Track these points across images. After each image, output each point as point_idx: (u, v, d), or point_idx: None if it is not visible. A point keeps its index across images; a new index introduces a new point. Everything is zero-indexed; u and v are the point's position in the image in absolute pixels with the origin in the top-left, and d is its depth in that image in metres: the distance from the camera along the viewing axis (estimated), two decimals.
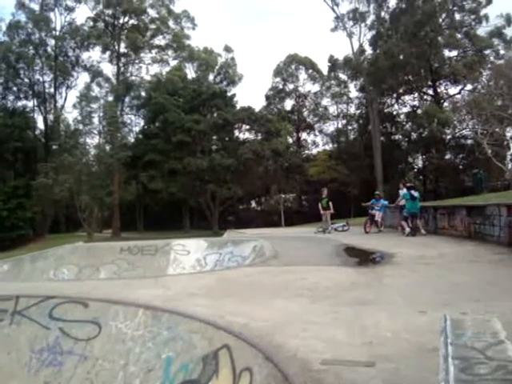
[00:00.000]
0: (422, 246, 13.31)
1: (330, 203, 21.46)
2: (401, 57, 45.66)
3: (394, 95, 55.03)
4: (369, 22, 50.31)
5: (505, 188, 37.25)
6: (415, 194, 17.51)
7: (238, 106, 52.14)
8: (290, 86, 62.25)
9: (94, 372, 5.72)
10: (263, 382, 3.75)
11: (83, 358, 5.95)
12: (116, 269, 14.73)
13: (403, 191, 18.28)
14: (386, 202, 21.41)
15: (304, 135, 64.65)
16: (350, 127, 62.66)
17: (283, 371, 3.71)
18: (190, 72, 58.16)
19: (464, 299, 6.19)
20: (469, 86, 49.52)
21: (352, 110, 61.77)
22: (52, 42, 52.56)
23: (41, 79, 53.13)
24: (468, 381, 2.10)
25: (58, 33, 52.33)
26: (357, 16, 49.76)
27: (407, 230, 16.88)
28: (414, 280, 8.12)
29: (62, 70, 52.08)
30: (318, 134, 64.44)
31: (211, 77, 57.84)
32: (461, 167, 53.08)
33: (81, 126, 46.47)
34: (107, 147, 45.44)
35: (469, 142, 49.88)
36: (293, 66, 61.27)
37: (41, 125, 54.76)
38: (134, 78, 54.58)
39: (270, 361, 3.95)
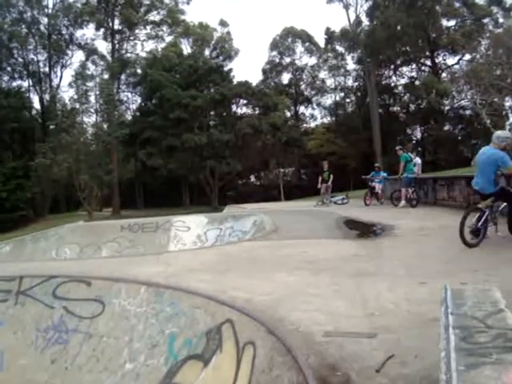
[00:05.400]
0: (422, 217, 13.37)
1: (331, 176, 21.61)
2: (398, 27, 45.16)
3: (392, 67, 54.58)
4: None
5: None
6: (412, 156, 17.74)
7: (235, 81, 51.49)
8: (287, 60, 61.67)
9: (100, 349, 5.79)
10: (266, 355, 3.79)
11: (88, 336, 6.01)
12: (117, 247, 14.84)
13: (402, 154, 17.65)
14: (385, 174, 21.45)
15: (302, 109, 64.40)
16: (347, 100, 62.34)
17: (286, 344, 3.76)
18: (186, 48, 57.46)
19: (464, 270, 6.23)
20: (467, 56, 48.92)
21: (350, 82, 61.45)
22: (45, 20, 51.52)
23: (35, 58, 52.30)
24: (468, 349, 2.13)
25: (50, 11, 51.25)
26: None
27: (402, 202, 16.87)
28: (414, 251, 8.17)
29: (56, 49, 51.26)
30: (315, 107, 64.16)
31: (207, 52, 57.10)
32: (460, 138, 52.95)
33: (77, 105, 45.89)
34: (105, 125, 45.12)
35: (467, 112, 49.63)
36: (289, 39, 60.59)
37: (37, 105, 54.09)
38: (129, 54, 53.88)
39: (273, 334, 3.99)
